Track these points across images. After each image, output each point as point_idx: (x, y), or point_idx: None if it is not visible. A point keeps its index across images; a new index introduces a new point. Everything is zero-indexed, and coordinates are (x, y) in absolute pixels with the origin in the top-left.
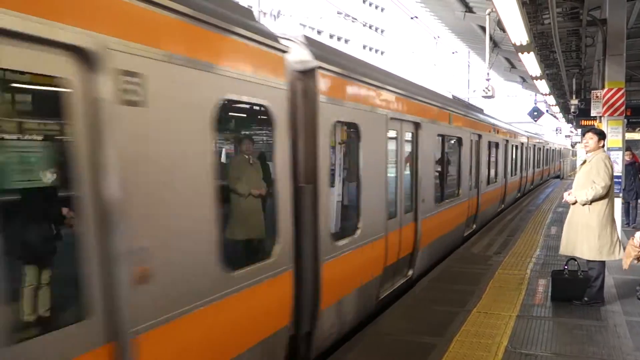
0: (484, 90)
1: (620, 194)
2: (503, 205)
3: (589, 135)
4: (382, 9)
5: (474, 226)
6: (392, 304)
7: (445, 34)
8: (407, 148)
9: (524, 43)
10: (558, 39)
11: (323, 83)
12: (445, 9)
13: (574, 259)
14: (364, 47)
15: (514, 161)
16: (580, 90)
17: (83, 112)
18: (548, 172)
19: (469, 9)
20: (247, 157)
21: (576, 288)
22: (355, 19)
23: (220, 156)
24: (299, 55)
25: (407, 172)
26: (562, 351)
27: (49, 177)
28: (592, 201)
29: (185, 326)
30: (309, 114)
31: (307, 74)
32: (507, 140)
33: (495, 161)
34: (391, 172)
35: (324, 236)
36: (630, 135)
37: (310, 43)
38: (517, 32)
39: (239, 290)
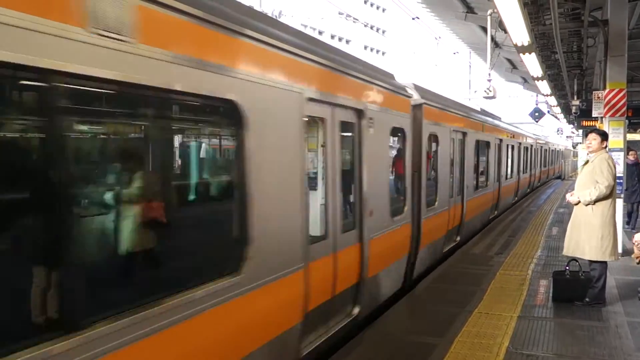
0: (485, 91)
1: (622, 195)
2: (529, 189)
3: (592, 135)
4: (384, 10)
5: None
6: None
7: (447, 35)
8: (458, 148)
9: (526, 44)
10: (559, 39)
11: (426, 112)
12: (446, 10)
13: (575, 259)
14: (365, 47)
15: (523, 161)
16: (581, 91)
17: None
18: (552, 172)
19: (470, 10)
20: (399, 156)
21: (577, 289)
22: (357, 20)
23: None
24: (414, 97)
25: (462, 165)
26: (563, 352)
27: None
28: (595, 201)
29: (387, 237)
30: (417, 130)
31: (417, 107)
32: (519, 143)
33: (511, 160)
34: (455, 164)
35: (423, 203)
36: (631, 136)
37: (417, 89)
38: (519, 32)
39: (396, 228)
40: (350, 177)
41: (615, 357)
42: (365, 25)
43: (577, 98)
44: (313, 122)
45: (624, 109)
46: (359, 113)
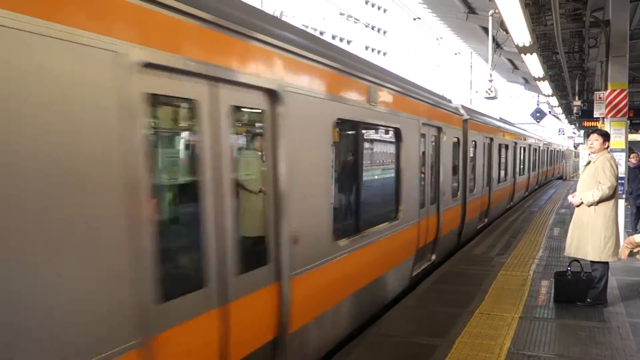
0: (486, 92)
1: (623, 196)
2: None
3: (594, 136)
4: (385, 10)
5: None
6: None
7: (448, 35)
8: (488, 150)
9: (527, 44)
10: (561, 40)
11: (469, 125)
12: (447, 10)
13: (577, 260)
14: (366, 48)
15: (529, 160)
16: (583, 92)
17: None
18: (554, 172)
19: (471, 10)
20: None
21: (579, 289)
22: (358, 20)
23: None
24: (464, 115)
25: (492, 162)
26: (565, 353)
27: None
28: (598, 202)
29: (450, 211)
30: (464, 139)
31: (465, 122)
32: (530, 145)
33: (522, 158)
34: (489, 162)
35: (468, 188)
36: (633, 137)
37: (464, 108)
38: (520, 33)
39: (453, 206)
40: (455, 168)
41: (617, 358)
42: (366, 26)
43: (579, 98)
44: (428, 136)
45: (626, 109)
46: (439, 130)
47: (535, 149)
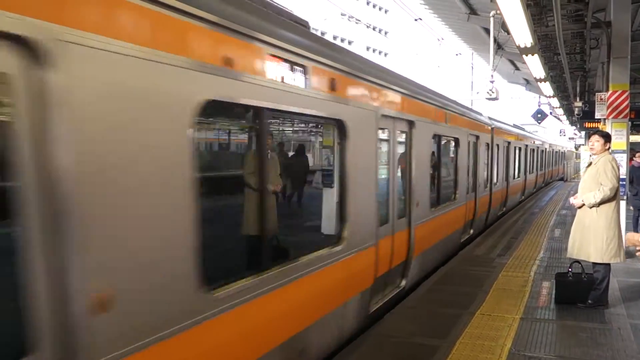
0: (487, 92)
1: (625, 197)
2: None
3: (595, 137)
4: (386, 11)
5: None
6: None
7: (449, 36)
8: (506, 151)
9: (528, 45)
10: (562, 41)
11: (494, 131)
12: (449, 11)
13: (578, 261)
14: (368, 48)
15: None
16: (584, 93)
17: None
18: (556, 173)
19: (472, 11)
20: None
21: (580, 291)
22: (359, 21)
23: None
24: (491, 124)
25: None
26: (566, 354)
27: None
28: (599, 203)
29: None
30: (491, 143)
31: (492, 129)
32: (537, 147)
33: (532, 158)
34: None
35: (493, 182)
36: (634, 138)
37: (490, 118)
38: (522, 34)
39: (483, 196)
40: (486, 166)
41: (618, 359)
42: (367, 27)
43: (580, 99)
44: (471, 142)
45: (627, 110)
46: (477, 137)
47: (542, 151)
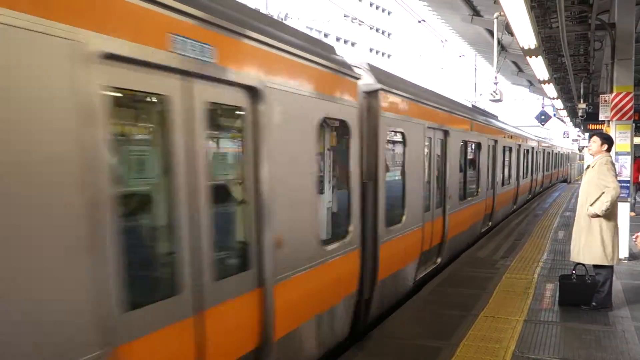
0: (491, 94)
1: (628, 199)
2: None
3: (593, 138)
4: (389, 12)
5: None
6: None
7: (453, 38)
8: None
9: (532, 47)
10: (566, 42)
11: (509, 136)
12: (452, 13)
13: (581, 264)
14: (371, 50)
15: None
16: (588, 94)
17: None
18: (562, 173)
19: (476, 13)
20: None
21: (584, 293)
22: (362, 22)
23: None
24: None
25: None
26: (569, 356)
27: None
28: (611, 206)
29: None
30: (508, 146)
31: (506, 134)
32: (544, 149)
33: (541, 159)
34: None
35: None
36: (638, 140)
37: (504, 122)
38: (526, 35)
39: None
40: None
41: None
42: (370, 28)
43: (584, 101)
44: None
45: (631, 112)
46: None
47: (549, 152)
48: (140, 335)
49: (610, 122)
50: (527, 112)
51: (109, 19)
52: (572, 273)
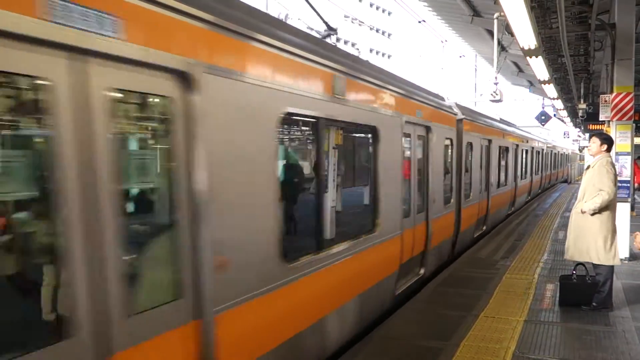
0: (491, 94)
1: (629, 199)
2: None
3: (593, 139)
4: (390, 13)
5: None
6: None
7: (453, 38)
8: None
9: (532, 47)
10: (566, 43)
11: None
12: (452, 13)
13: (582, 264)
14: (371, 50)
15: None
16: (588, 95)
17: None
18: (557, 176)
19: (476, 13)
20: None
21: (584, 293)
22: (363, 23)
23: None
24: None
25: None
26: (570, 356)
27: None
28: (600, 208)
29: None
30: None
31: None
32: (551, 150)
33: (545, 158)
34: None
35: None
36: (639, 140)
37: (514, 127)
38: (526, 36)
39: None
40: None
41: None
42: (371, 29)
43: (584, 101)
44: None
45: (631, 112)
46: (517, 145)
47: (549, 152)
48: None
49: (611, 123)
50: (527, 112)
51: None
52: (573, 273)
